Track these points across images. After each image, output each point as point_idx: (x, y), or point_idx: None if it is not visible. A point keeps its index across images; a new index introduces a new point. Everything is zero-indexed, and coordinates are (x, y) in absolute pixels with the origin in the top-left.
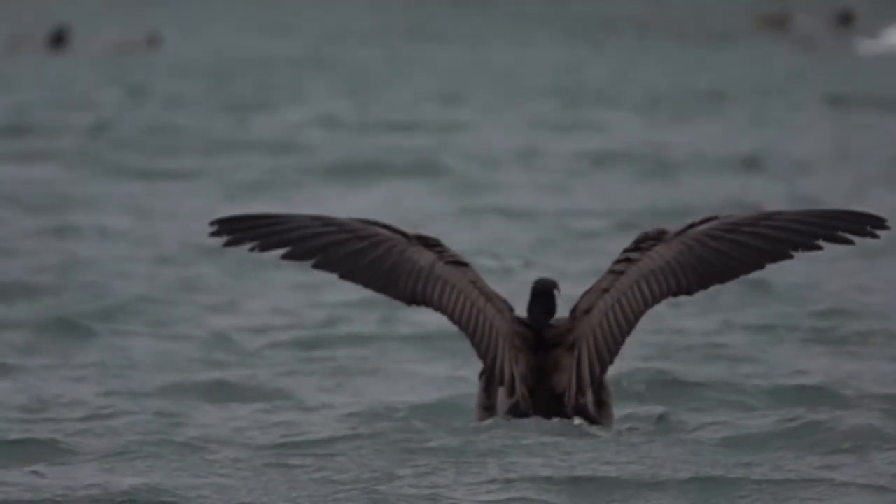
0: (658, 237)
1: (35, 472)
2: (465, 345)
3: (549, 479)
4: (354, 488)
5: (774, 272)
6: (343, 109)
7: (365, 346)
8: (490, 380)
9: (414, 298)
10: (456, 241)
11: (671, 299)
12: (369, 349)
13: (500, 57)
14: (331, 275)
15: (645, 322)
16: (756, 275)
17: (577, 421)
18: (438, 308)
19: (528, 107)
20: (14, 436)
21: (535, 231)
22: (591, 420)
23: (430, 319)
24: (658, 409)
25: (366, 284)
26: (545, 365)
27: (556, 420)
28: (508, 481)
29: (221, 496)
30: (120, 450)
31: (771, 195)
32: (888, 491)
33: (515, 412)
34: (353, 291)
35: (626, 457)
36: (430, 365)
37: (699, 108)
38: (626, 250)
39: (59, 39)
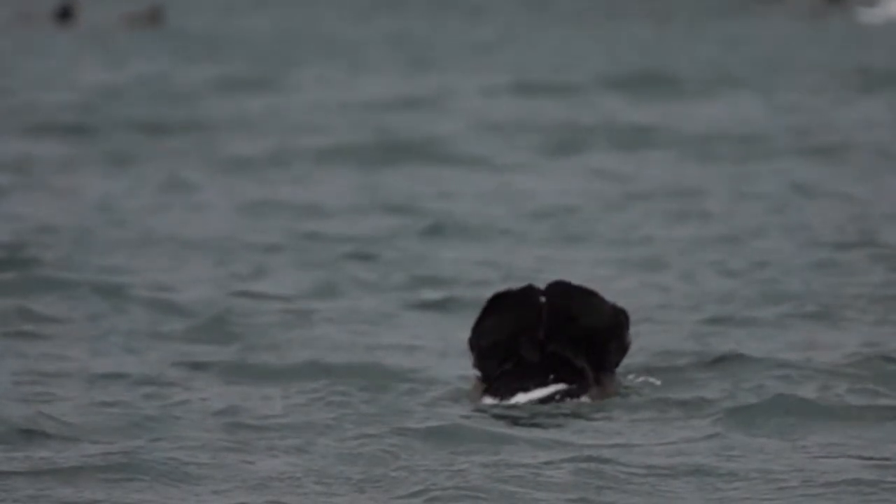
0: None
1: (29, 447)
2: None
3: (544, 463)
4: (352, 462)
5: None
6: (334, 88)
7: (362, 316)
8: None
9: None
10: (449, 221)
11: None
12: (366, 319)
13: (483, 33)
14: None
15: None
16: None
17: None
18: None
19: (516, 83)
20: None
21: (525, 210)
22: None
23: (430, 288)
24: (655, 394)
25: None
26: None
27: (540, 394)
28: (507, 465)
29: (219, 468)
30: (117, 424)
31: (770, 178)
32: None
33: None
34: (351, 260)
35: (617, 441)
36: (430, 338)
37: (697, 86)
38: None
39: (65, 14)
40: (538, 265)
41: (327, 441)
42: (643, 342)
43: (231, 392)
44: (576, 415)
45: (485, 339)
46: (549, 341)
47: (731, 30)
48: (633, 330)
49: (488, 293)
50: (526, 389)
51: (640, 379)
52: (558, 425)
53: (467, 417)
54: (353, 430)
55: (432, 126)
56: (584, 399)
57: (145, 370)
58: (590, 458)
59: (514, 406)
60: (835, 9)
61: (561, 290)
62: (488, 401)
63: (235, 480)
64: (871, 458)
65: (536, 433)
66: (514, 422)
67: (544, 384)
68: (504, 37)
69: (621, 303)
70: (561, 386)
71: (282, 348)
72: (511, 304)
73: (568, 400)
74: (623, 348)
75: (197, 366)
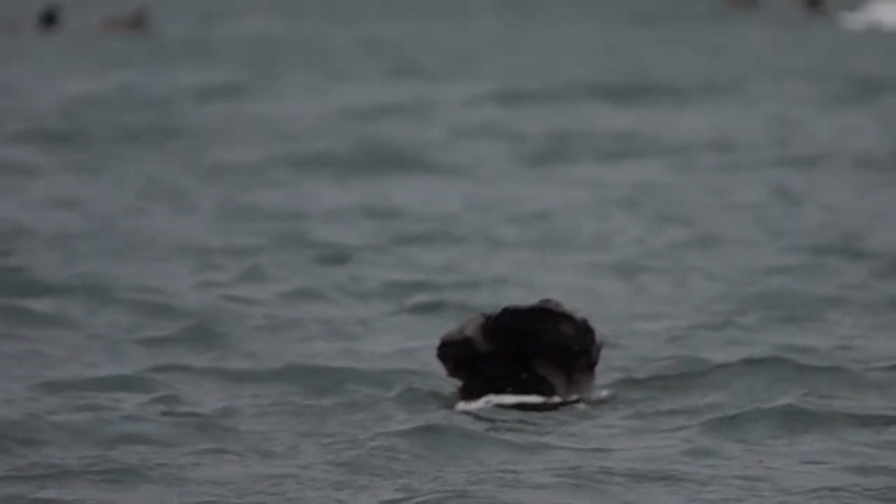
0: None
1: (10, 449)
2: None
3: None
4: (333, 465)
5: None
6: (318, 95)
7: (345, 320)
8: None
9: None
10: (433, 228)
11: None
12: (349, 324)
13: (466, 41)
14: None
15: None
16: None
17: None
18: None
19: (500, 91)
20: None
21: (508, 217)
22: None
23: (413, 293)
24: (633, 400)
25: None
26: None
27: (514, 399)
28: (486, 467)
29: (201, 470)
30: (100, 426)
31: (753, 186)
32: (862, 470)
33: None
34: (333, 265)
35: (596, 445)
36: (413, 342)
37: (680, 94)
38: None
39: (49, 19)
40: (521, 271)
41: (309, 444)
42: (624, 348)
43: (213, 396)
44: (554, 420)
45: (448, 362)
46: (512, 356)
47: (714, 37)
48: (613, 334)
49: (471, 298)
50: (498, 393)
51: (618, 384)
52: (537, 430)
53: (448, 421)
54: (334, 433)
55: (416, 133)
56: (560, 404)
57: (128, 373)
58: (567, 461)
59: (492, 410)
60: (817, 15)
61: (510, 314)
62: (462, 405)
63: (216, 483)
64: (850, 465)
65: (515, 437)
66: (494, 426)
67: (517, 390)
68: (487, 44)
69: (603, 309)
70: (534, 393)
71: (264, 352)
72: (459, 345)
73: (543, 405)
74: (590, 361)
75: (179, 369)
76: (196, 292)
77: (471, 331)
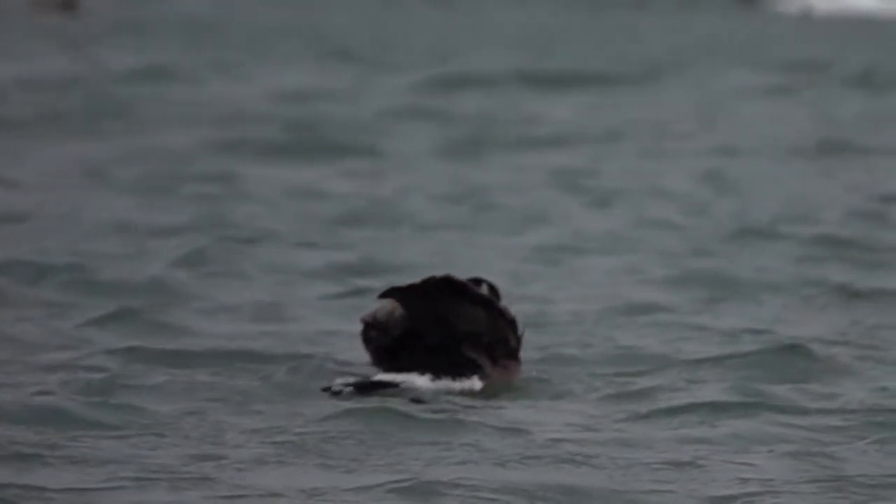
0: None
1: None
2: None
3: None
4: (267, 448)
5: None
6: (250, 78)
7: (277, 303)
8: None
9: None
10: (364, 211)
11: None
12: (281, 307)
13: (399, 24)
14: None
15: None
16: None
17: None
18: None
19: (432, 76)
20: None
21: (440, 199)
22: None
23: (345, 276)
24: (561, 384)
25: None
26: None
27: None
28: (408, 446)
29: (130, 451)
30: (30, 408)
31: (683, 171)
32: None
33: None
34: (264, 248)
35: (519, 427)
36: (343, 324)
37: (612, 80)
38: None
39: None
40: (451, 254)
41: (236, 426)
42: (552, 332)
43: (141, 376)
44: (479, 403)
45: (370, 347)
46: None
47: (647, 24)
48: (541, 318)
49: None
50: (419, 371)
51: (545, 369)
52: (462, 412)
53: (375, 403)
54: (262, 413)
55: (347, 117)
56: (482, 385)
57: (55, 353)
58: (491, 443)
59: (417, 392)
60: (751, 1)
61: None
62: (379, 377)
63: (141, 464)
64: (780, 452)
65: (441, 416)
66: (421, 407)
67: (438, 368)
68: (420, 29)
69: (531, 292)
70: (456, 372)
71: (192, 334)
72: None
73: (465, 385)
74: (509, 350)
75: (106, 350)
76: (125, 273)
77: (382, 315)
